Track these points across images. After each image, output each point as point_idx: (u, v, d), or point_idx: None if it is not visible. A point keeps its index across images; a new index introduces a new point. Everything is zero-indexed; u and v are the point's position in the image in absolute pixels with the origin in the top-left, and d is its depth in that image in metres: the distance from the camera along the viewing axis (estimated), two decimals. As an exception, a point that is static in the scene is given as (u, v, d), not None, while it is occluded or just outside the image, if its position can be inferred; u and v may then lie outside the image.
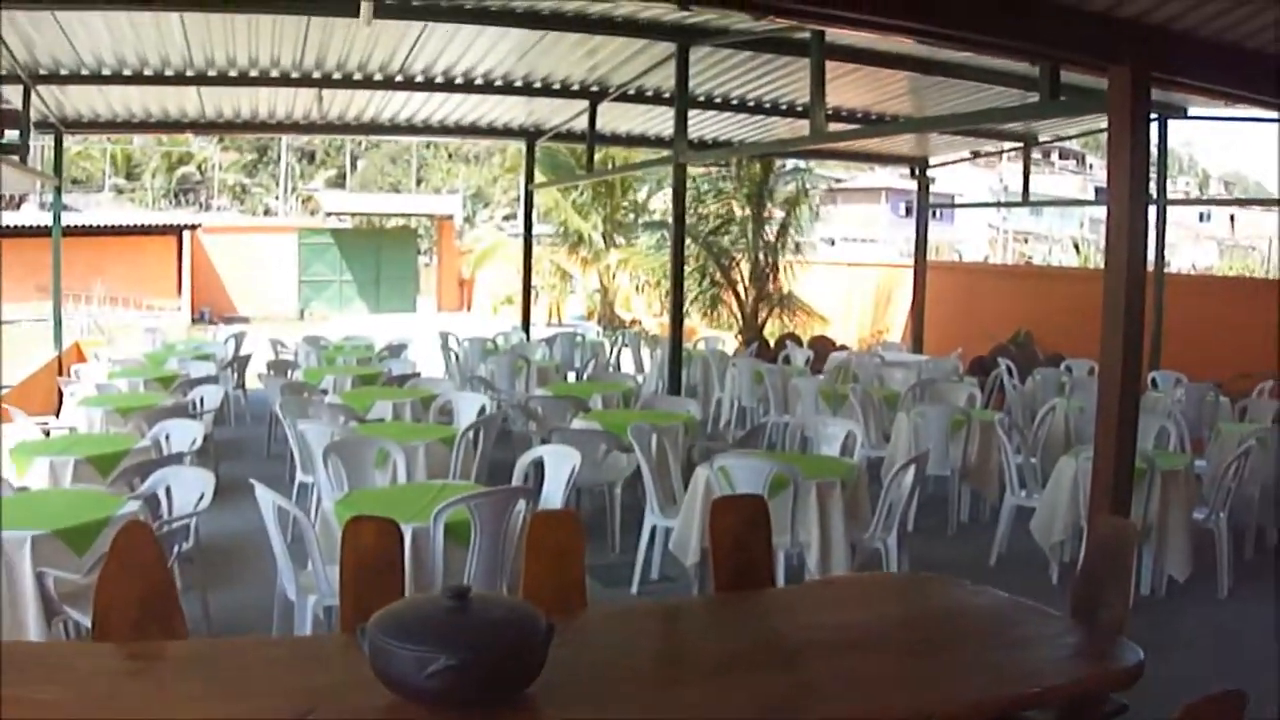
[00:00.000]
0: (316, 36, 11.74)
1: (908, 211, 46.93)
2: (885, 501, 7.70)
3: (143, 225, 38.39)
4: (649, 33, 11.60)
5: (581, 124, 15.92)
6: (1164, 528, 8.24)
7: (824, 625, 4.29)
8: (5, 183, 25.23)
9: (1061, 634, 4.21)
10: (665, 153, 17.76)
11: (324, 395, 11.59)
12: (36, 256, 20.38)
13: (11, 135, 13.25)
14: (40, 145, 21.35)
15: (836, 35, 10.54)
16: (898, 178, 43.06)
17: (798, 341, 20.29)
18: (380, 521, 4.30)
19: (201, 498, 6.75)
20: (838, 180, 50.89)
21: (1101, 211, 8.11)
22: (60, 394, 12.77)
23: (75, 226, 31.22)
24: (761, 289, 23.83)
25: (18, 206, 38.37)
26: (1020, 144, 18.76)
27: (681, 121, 12.74)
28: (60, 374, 14.66)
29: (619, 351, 19.23)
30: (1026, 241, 61.07)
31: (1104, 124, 7.51)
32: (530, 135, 18.42)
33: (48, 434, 9.90)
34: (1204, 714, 2.99)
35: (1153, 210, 12.80)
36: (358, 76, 13.67)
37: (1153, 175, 11.23)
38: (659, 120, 17.01)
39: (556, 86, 14.59)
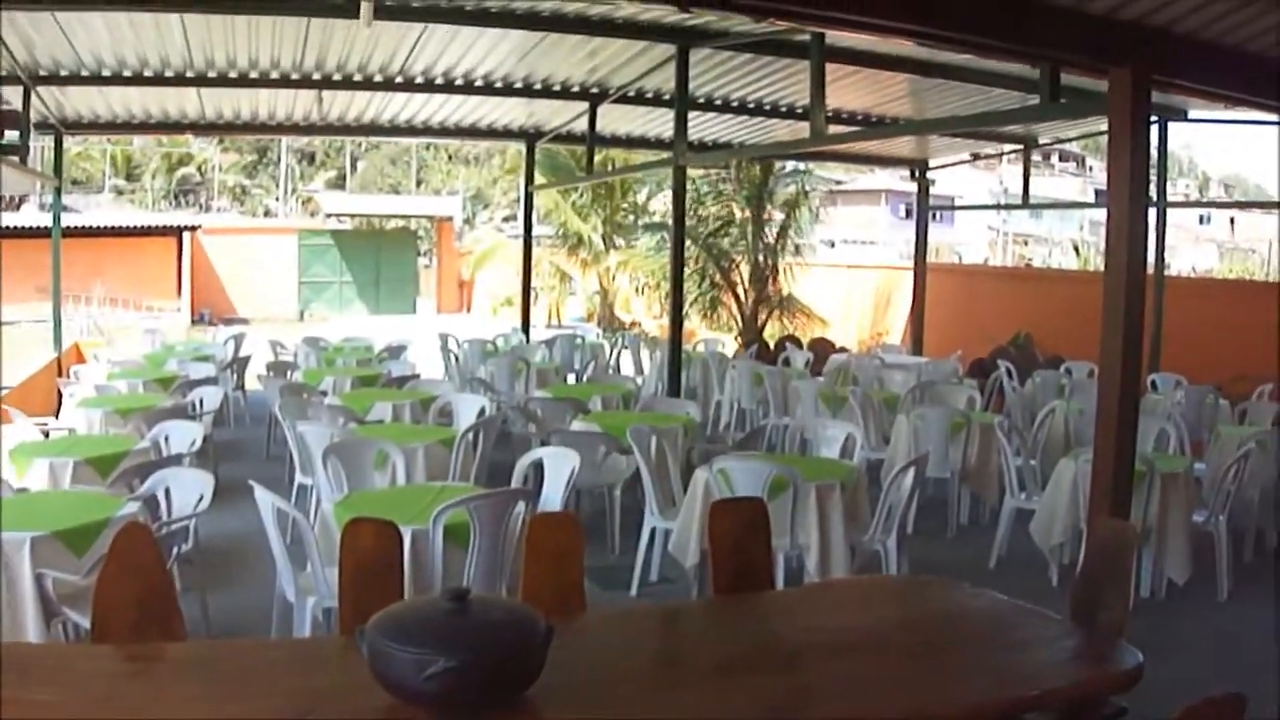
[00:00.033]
0: (316, 37, 11.74)
1: (907, 213, 46.98)
2: (885, 504, 7.69)
3: (143, 226, 38.41)
4: (649, 34, 11.61)
5: (581, 125, 15.93)
6: (1163, 530, 8.24)
7: (823, 628, 4.29)
8: (5, 184, 25.25)
9: (1061, 637, 4.21)
10: (665, 154, 17.76)
11: (323, 397, 11.59)
12: (36, 257, 20.39)
13: (11, 136, 13.24)
14: (40, 146, 21.34)
15: (836, 37, 10.54)
16: (898, 180, 43.02)
17: (797, 344, 20.28)
18: (379, 523, 4.30)
19: (201, 499, 6.74)
20: (838, 182, 50.88)
21: (1101, 214, 8.11)
22: (60, 395, 12.76)
23: (75, 227, 31.20)
24: (761, 291, 23.83)
25: (17, 207, 38.39)
26: (1020, 146, 18.78)
27: (681, 123, 12.74)
28: (60, 375, 14.65)
29: (619, 353, 19.22)
30: (1026, 244, 61.06)
31: (1104, 126, 7.51)
32: (530, 137, 18.42)
33: (47, 435, 9.90)
34: (1203, 717, 2.99)
35: (1153, 213, 12.78)
36: (358, 78, 13.68)
37: (1153, 178, 11.22)
38: (659, 122, 17.01)
39: (556, 88, 14.60)
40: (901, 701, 3.61)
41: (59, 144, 16.72)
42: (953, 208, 46.94)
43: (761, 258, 23.78)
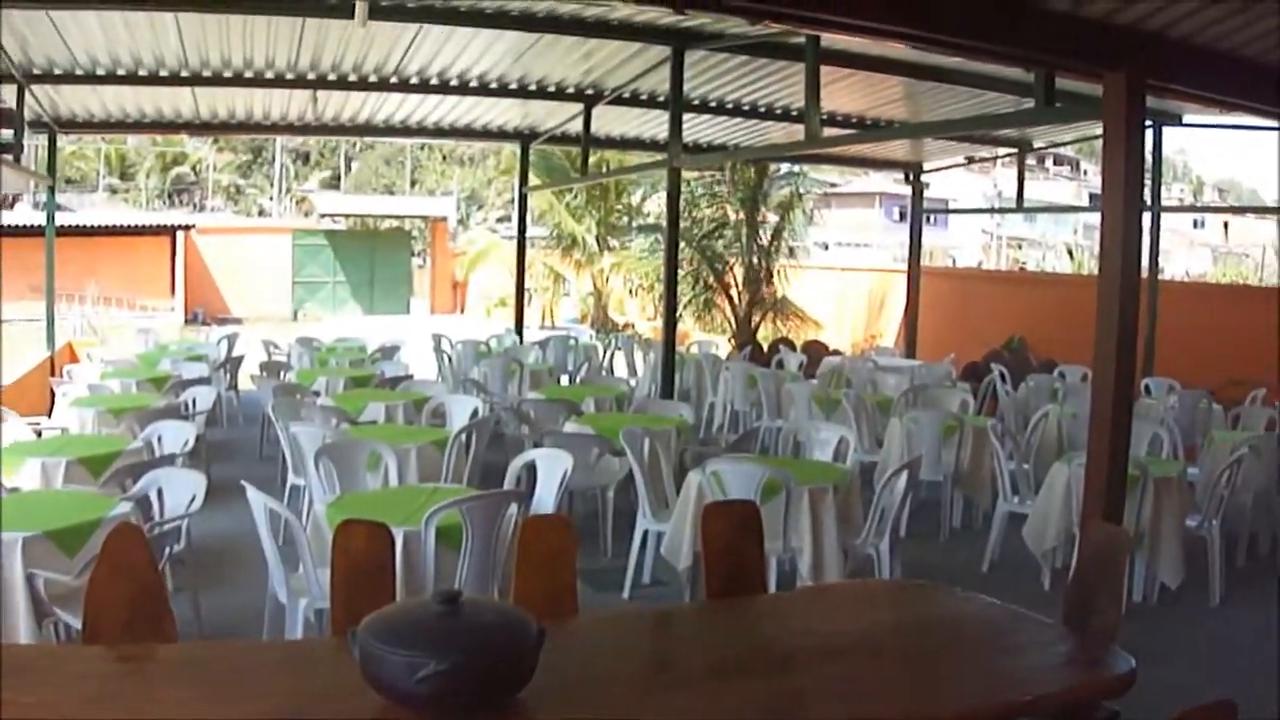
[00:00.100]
0: (311, 37, 11.74)
1: (902, 216, 46.89)
2: (878, 507, 7.69)
3: (136, 225, 38.33)
4: (644, 36, 11.62)
5: (576, 127, 15.93)
6: (1156, 535, 8.25)
7: (816, 632, 4.29)
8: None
9: (1053, 641, 4.21)
10: (660, 156, 17.73)
11: (316, 397, 11.58)
12: (30, 256, 20.34)
13: (5, 135, 13.23)
14: (34, 145, 21.29)
15: (831, 40, 10.54)
16: (892, 182, 43.19)
17: (791, 346, 20.28)
18: (371, 525, 4.30)
19: (193, 499, 6.73)
20: (832, 185, 50.88)
21: (1095, 217, 8.12)
22: (52, 394, 12.74)
23: (69, 226, 31.21)
24: (755, 293, 23.85)
25: (11, 206, 38.31)
26: (1015, 150, 18.80)
27: (676, 125, 12.74)
28: (53, 374, 14.64)
29: (612, 355, 19.23)
30: (1020, 247, 61.07)
31: (1099, 130, 7.53)
32: (525, 138, 18.43)
33: (39, 434, 9.88)
34: (1196, 723, 2.98)
35: (1147, 217, 12.81)
36: (352, 78, 13.68)
37: (1147, 182, 11.25)
38: (654, 124, 17.03)
39: (551, 89, 14.61)
40: (894, 706, 3.60)
41: (53, 143, 16.70)
42: (947, 211, 46.88)
43: (755, 260, 23.80)
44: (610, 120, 16.81)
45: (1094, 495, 7.16)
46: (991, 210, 43.22)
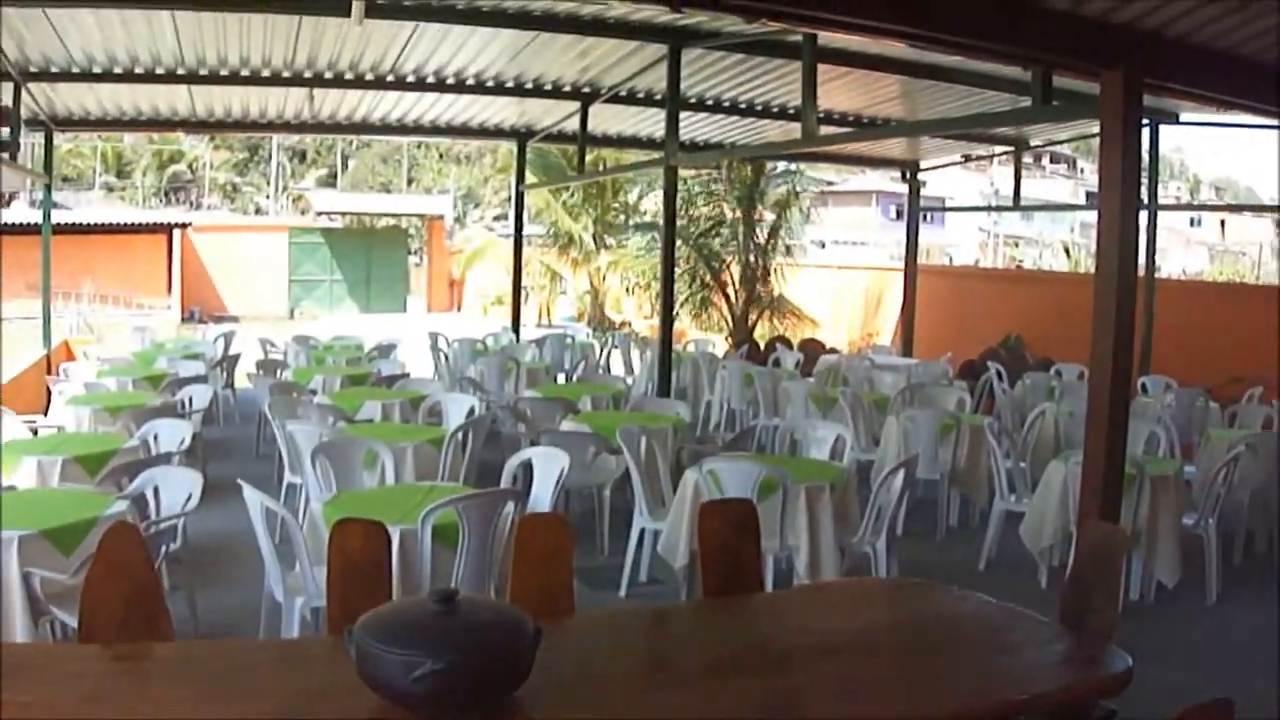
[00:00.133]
0: (308, 36, 11.73)
1: (898, 214, 46.93)
2: (874, 505, 7.69)
3: (133, 223, 38.32)
4: (641, 34, 11.61)
5: (573, 125, 15.93)
6: (1153, 533, 8.25)
7: (812, 630, 4.28)
8: (-5, 180, 25.17)
9: (1050, 640, 4.20)
10: (656, 154, 17.71)
11: (313, 395, 11.57)
12: (26, 254, 20.31)
13: (2, 133, 13.20)
14: (30, 143, 21.26)
15: (828, 39, 10.53)
16: (889, 180, 43.12)
17: (788, 344, 20.29)
18: (367, 524, 4.29)
19: (189, 498, 6.73)
20: (829, 183, 50.89)
21: (1092, 216, 8.10)
22: (49, 392, 12.72)
23: (65, 224, 31.19)
24: (752, 291, 23.84)
25: (8, 204, 38.26)
26: (1011, 148, 18.80)
27: (673, 123, 12.73)
28: (49, 372, 14.62)
29: (609, 353, 19.23)
30: (1017, 245, 61.18)
31: (1096, 129, 7.52)
32: (521, 136, 18.41)
33: (35, 433, 9.87)
34: (1193, 722, 2.98)
35: (1144, 215, 12.82)
36: (349, 76, 13.67)
37: (1144, 180, 11.24)
38: (650, 122, 17.01)
39: (548, 87, 14.60)
40: (890, 704, 3.60)
41: (49, 141, 16.66)
42: (944, 209, 46.93)
43: (752, 258, 23.79)
44: (607, 118, 16.81)
45: (1091, 493, 7.16)
46: (988, 208, 43.23)
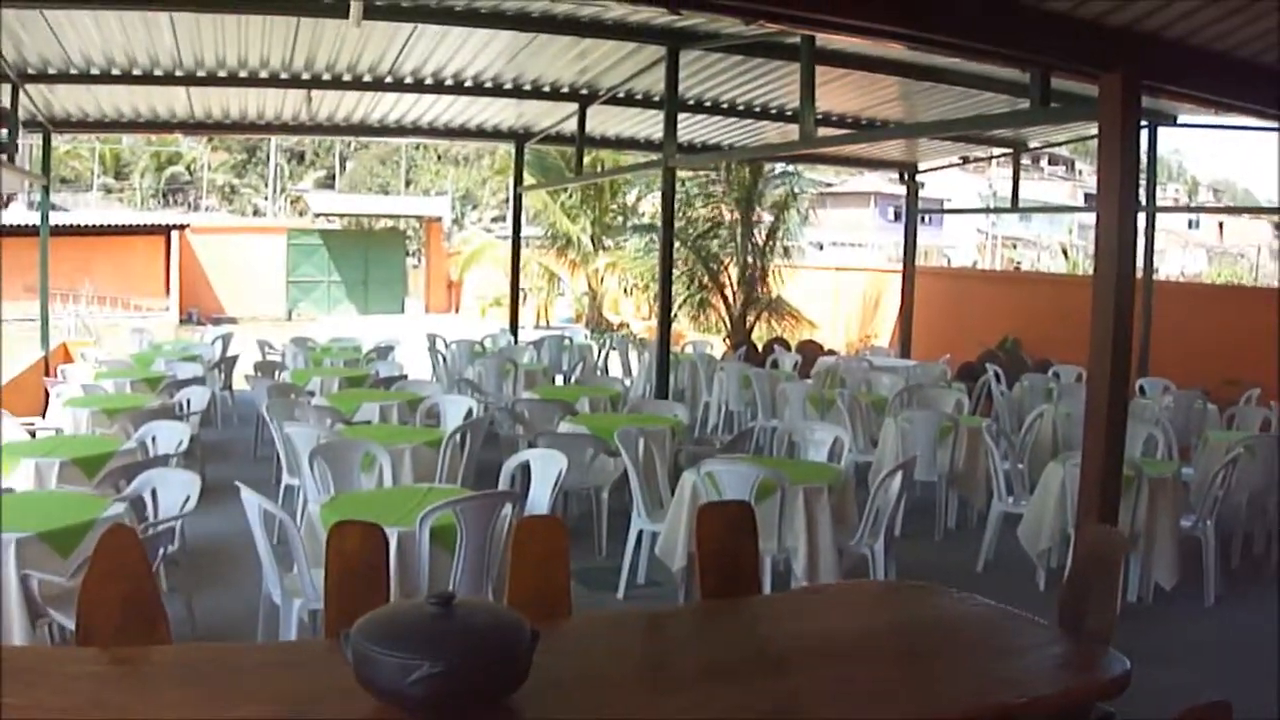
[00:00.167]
0: (306, 37, 11.72)
1: (896, 216, 46.99)
2: (872, 507, 7.69)
3: (131, 225, 38.33)
4: (639, 36, 11.60)
5: (571, 126, 15.92)
6: (1151, 535, 8.25)
7: (810, 633, 4.28)
8: (-7, 182, 25.15)
9: (1048, 643, 4.20)
10: (655, 156, 17.74)
11: (311, 397, 11.56)
12: (24, 256, 20.30)
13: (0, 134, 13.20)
14: (28, 144, 21.25)
15: (826, 40, 10.54)
16: (886, 182, 43.16)
17: (786, 346, 20.31)
18: (365, 526, 4.28)
19: (187, 500, 6.73)
20: (827, 184, 50.91)
21: (1090, 217, 8.10)
22: (47, 394, 12.72)
23: (63, 226, 31.10)
24: (750, 293, 23.85)
25: (6, 206, 38.26)
26: (1010, 150, 18.81)
27: (671, 125, 12.72)
28: (47, 374, 14.61)
29: (607, 355, 19.24)
30: (1015, 247, 61.08)
31: (1094, 131, 7.52)
32: (519, 137, 18.39)
33: (33, 435, 9.86)
34: (1191, 725, 2.98)
35: (1142, 217, 12.82)
36: (347, 77, 13.66)
37: (1142, 182, 11.25)
38: (648, 123, 17.01)
39: (546, 89, 14.59)
40: (889, 707, 3.60)
41: (47, 142, 16.65)
42: (942, 210, 46.92)
43: (750, 259, 23.81)
44: (605, 120, 16.81)
45: (1089, 495, 7.17)
46: (986, 210, 43.24)
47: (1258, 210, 51.63)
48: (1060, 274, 35.38)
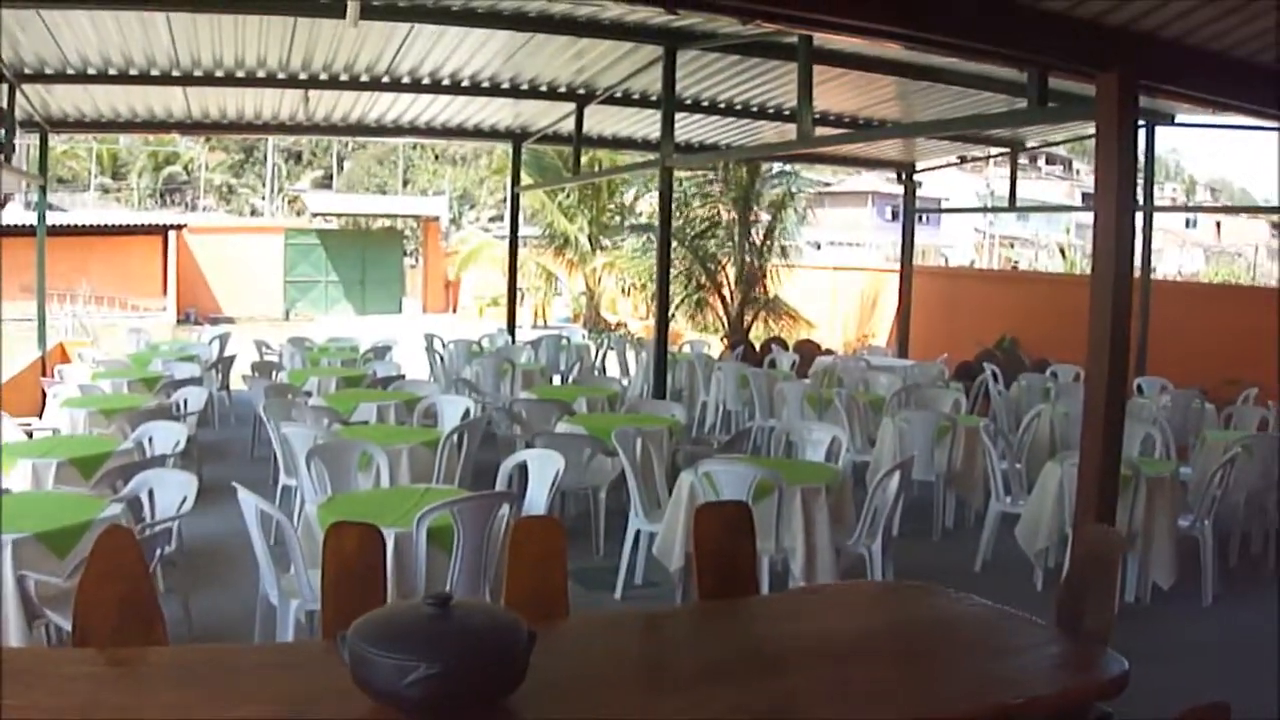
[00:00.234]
0: (303, 37, 11.71)
1: (894, 215, 47.05)
2: (870, 507, 7.69)
3: (128, 225, 38.28)
4: (636, 35, 11.59)
5: (568, 126, 15.91)
6: (1149, 535, 8.25)
7: (808, 634, 4.27)
8: (-10, 182, 25.15)
9: (1046, 643, 4.20)
10: (652, 156, 17.74)
11: (308, 397, 11.55)
12: (21, 256, 20.31)
13: (-4, 134, 13.21)
14: (25, 144, 21.27)
15: (824, 40, 10.53)
16: (884, 181, 43.11)
17: (783, 345, 20.29)
18: (362, 527, 4.28)
19: (184, 501, 6.72)
20: (824, 184, 50.92)
21: (1088, 216, 8.10)
22: (44, 395, 12.71)
23: (60, 226, 31.17)
24: (747, 293, 23.86)
25: (3, 206, 38.22)
26: (1007, 149, 18.81)
27: (668, 124, 12.72)
28: (44, 374, 14.59)
29: (604, 355, 19.22)
30: (1013, 246, 61.13)
31: (1091, 130, 7.51)
32: (517, 137, 18.39)
33: (30, 435, 9.85)
34: (1189, 726, 2.97)
35: (1139, 216, 12.82)
36: (344, 77, 13.65)
37: (1139, 181, 11.25)
38: (646, 123, 17.01)
39: (543, 89, 14.58)
40: (887, 708, 3.59)
41: (44, 142, 16.65)
42: (939, 210, 46.99)
43: (748, 259, 23.81)
44: (602, 120, 16.80)
45: (1087, 495, 7.17)
46: (984, 209, 43.30)
47: (1255, 210, 51.67)
48: (1058, 273, 35.39)
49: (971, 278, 28.59)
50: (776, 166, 24.16)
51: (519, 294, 21.53)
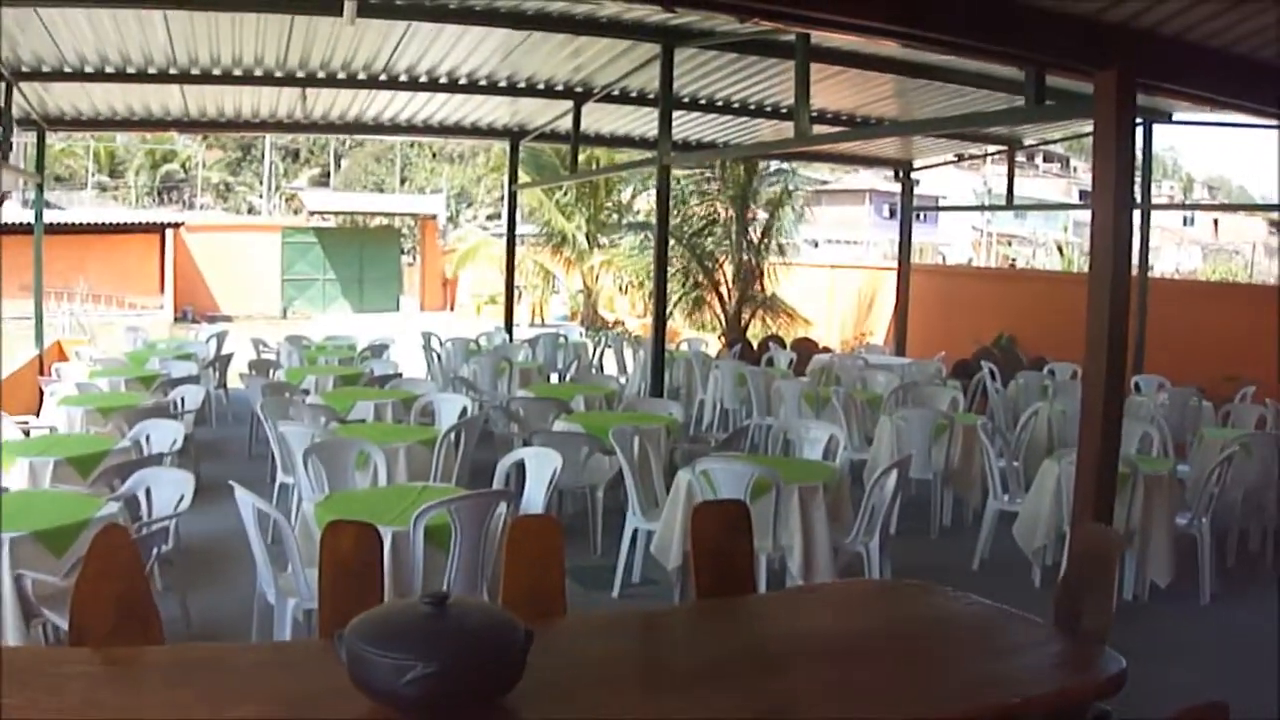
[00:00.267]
0: (300, 35, 11.70)
1: (891, 213, 47.03)
2: (868, 505, 7.68)
3: (126, 223, 38.23)
4: (634, 34, 11.59)
5: (566, 124, 15.90)
6: (1147, 533, 8.25)
7: (806, 633, 4.27)
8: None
9: (1044, 642, 4.20)
10: (649, 154, 17.75)
11: (305, 396, 11.55)
12: (18, 254, 20.30)
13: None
14: (22, 142, 21.24)
15: (821, 38, 10.52)
16: (882, 179, 43.09)
17: (781, 343, 20.30)
18: (359, 526, 4.28)
19: (181, 499, 6.71)
20: (822, 182, 50.92)
21: (1085, 214, 8.12)
22: (41, 393, 12.70)
23: (58, 224, 31.17)
24: (745, 291, 23.86)
25: (0, 204, 38.20)
26: (1005, 147, 18.81)
27: (666, 123, 12.72)
28: (41, 373, 14.59)
29: (602, 353, 19.21)
30: (1010, 244, 61.16)
31: (1089, 128, 7.51)
32: (514, 135, 18.39)
33: (27, 434, 9.84)
34: (1187, 725, 2.97)
35: (1137, 214, 12.81)
36: (341, 75, 13.64)
37: (1137, 179, 11.24)
38: (643, 121, 17.01)
39: (541, 87, 14.58)
40: (885, 707, 3.59)
41: (41, 140, 16.65)
42: (937, 208, 47.02)
43: (745, 257, 23.82)
44: (600, 118, 16.80)
45: (1084, 493, 7.17)
46: (981, 208, 43.26)
47: (1253, 207, 51.75)
48: (1055, 271, 35.43)
49: (969, 276, 28.60)
50: (774, 164, 24.14)
51: (516, 292, 21.55)
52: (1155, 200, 18.75)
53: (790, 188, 24.71)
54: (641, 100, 15.06)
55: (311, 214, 43.97)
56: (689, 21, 10.91)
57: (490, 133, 18.32)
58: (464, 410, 10.56)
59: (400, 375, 13.54)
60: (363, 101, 15.57)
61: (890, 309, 21.26)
